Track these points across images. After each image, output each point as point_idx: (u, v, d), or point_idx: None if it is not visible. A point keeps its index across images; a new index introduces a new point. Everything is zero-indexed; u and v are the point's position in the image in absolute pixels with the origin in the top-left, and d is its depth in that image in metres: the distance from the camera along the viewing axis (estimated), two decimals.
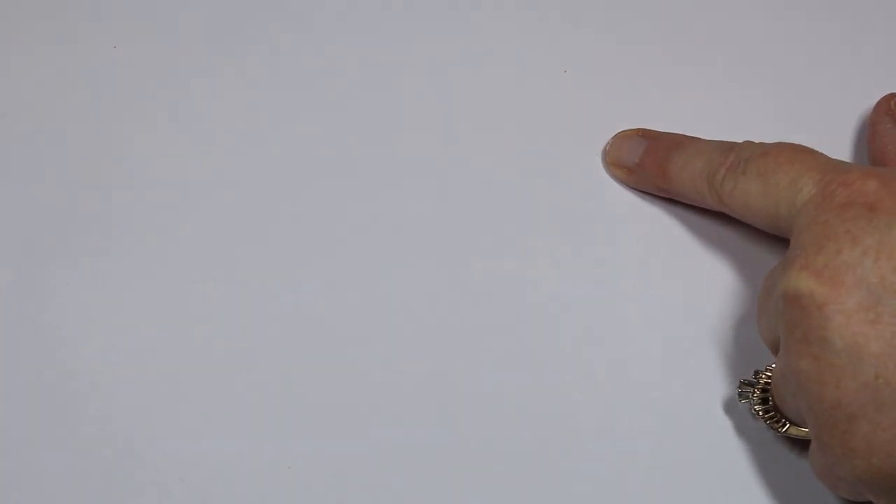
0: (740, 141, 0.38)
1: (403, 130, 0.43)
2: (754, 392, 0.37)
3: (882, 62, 0.43)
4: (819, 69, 0.44)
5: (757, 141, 0.37)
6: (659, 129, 0.42)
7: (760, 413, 0.36)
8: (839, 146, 0.42)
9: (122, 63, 0.44)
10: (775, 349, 0.35)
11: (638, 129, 0.42)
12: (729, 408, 0.39)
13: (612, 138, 0.42)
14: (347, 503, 0.38)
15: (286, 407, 0.39)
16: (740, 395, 0.37)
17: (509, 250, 0.41)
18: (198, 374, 0.40)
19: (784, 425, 0.36)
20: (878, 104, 0.41)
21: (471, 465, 0.39)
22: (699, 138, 0.40)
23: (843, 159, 0.35)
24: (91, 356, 0.40)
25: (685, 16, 0.44)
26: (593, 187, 0.42)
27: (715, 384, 0.39)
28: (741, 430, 0.39)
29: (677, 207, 0.41)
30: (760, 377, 0.37)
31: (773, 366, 0.36)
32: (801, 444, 0.38)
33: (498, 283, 0.41)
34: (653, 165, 0.40)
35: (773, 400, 0.36)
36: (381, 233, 0.42)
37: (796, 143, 0.36)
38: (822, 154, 0.35)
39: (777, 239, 0.40)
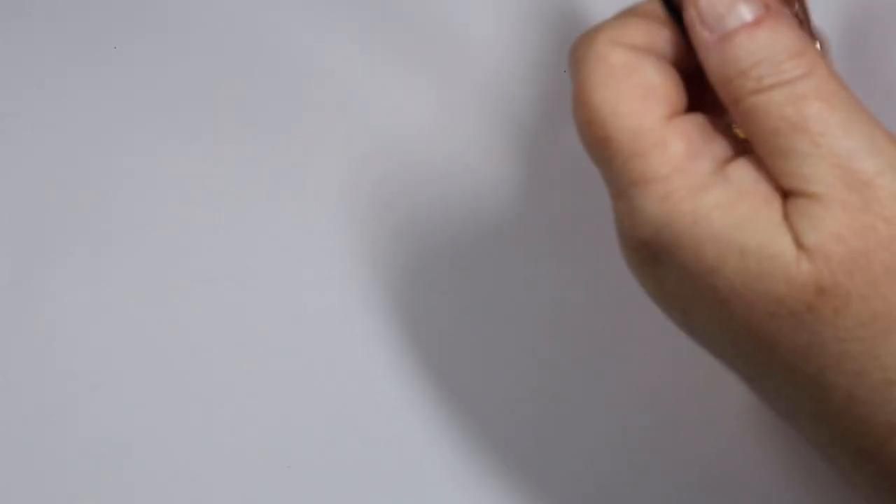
0: None
1: (402, 132, 0.43)
2: None
3: None
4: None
5: None
6: None
7: None
8: None
9: (122, 63, 0.44)
10: None
11: None
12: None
13: None
14: (347, 503, 0.38)
15: (286, 407, 0.39)
16: None
17: (511, 248, 0.41)
18: (198, 374, 0.40)
19: None
20: None
21: (471, 465, 0.39)
22: None
23: None
24: (91, 355, 0.40)
25: None
26: (592, 187, 0.42)
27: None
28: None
29: None
30: None
31: None
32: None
33: (499, 282, 0.41)
34: None
35: None
36: (378, 229, 0.42)
37: None
38: None
39: None
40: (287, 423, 0.39)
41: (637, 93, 0.27)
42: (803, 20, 0.30)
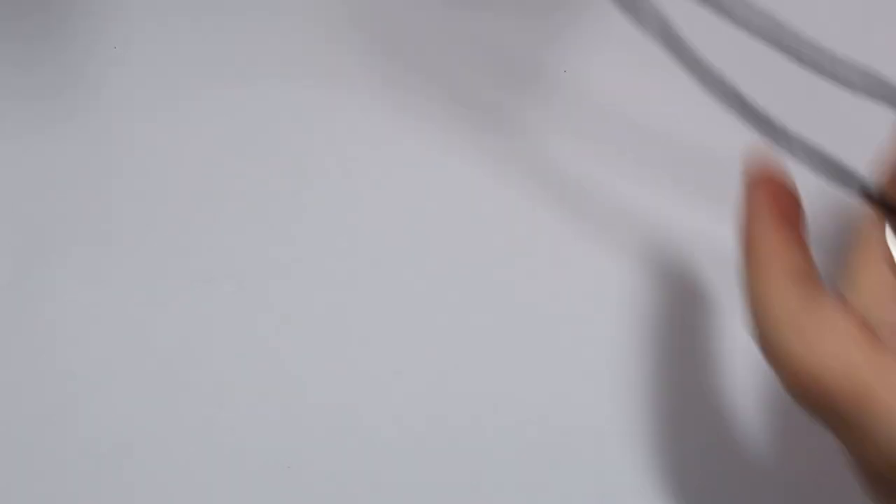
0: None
1: (402, 129, 0.43)
2: None
3: None
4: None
5: None
6: (658, 131, 0.41)
7: None
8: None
9: (122, 63, 0.44)
10: None
11: None
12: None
13: None
14: (347, 503, 0.38)
15: (286, 407, 0.39)
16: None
17: (510, 248, 0.41)
18: (198, 374, 0.40)
19: None
20: None
21: (469, 465, 0.39)
22: None
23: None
24: (91, 355, 0.40)
25: (684, 16, 0.44)
26: (593, 189, 0.42)
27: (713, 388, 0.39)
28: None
29: (677, 210, 0.41)
30: None
31: None
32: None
33: (504, 283, 0.41)
34: None
35: None
36: (380, 233, 0.42)
37: None
38: None
39: None
40: (287, 423, 0.39)
41: (838, 338, 0.27)
42: None
